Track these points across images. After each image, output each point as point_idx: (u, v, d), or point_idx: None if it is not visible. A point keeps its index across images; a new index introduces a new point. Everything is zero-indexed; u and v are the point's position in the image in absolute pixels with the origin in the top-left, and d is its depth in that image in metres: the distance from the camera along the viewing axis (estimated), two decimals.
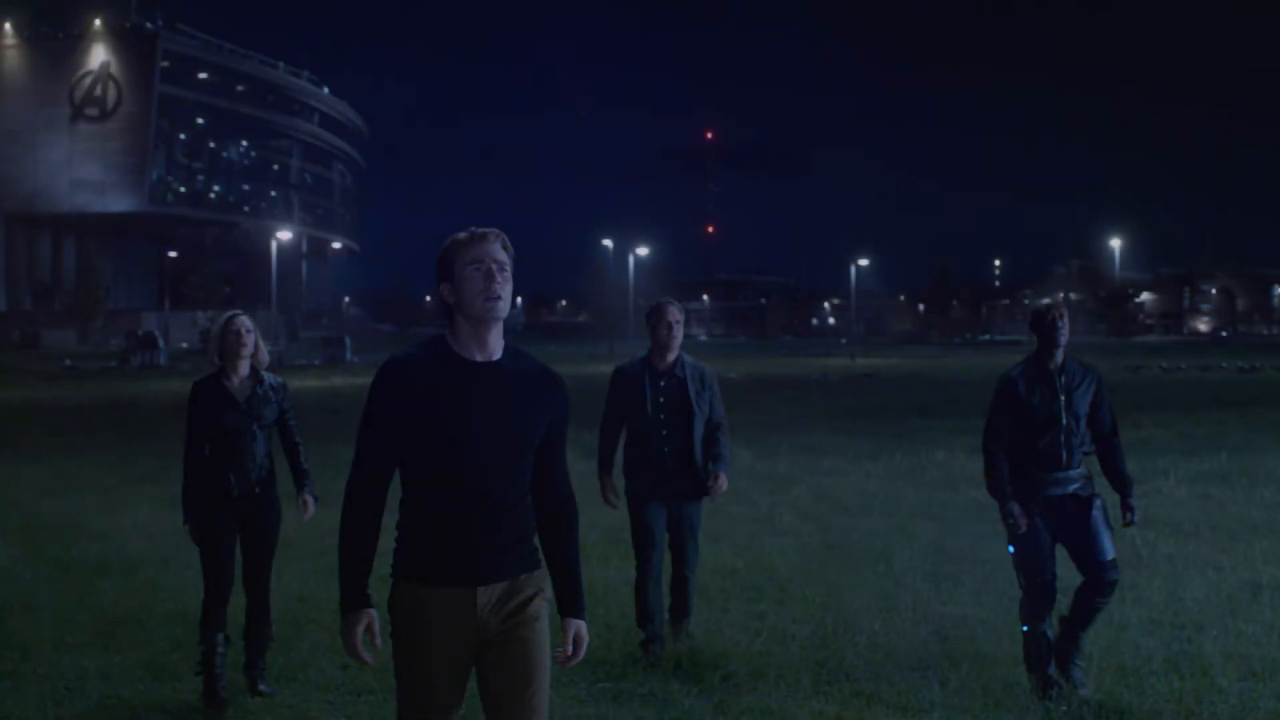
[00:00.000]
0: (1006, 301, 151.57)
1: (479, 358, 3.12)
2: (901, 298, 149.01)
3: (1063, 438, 5.45)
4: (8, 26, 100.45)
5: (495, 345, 3.13)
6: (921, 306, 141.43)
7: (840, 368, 47.60)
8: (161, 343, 54.99)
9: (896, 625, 6.63)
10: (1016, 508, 5.42)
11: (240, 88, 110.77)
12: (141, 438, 18.56)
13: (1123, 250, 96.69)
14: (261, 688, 5.56)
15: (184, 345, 69.24)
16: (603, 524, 8.72)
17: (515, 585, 3.12)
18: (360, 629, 3.09)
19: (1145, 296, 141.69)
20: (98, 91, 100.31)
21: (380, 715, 5.26)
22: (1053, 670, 5.46)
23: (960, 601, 7.19)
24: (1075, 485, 5.48)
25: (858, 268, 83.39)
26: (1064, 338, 5.49)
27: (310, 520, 5.83)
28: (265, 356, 5.65)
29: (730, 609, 7.08)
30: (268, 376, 5.61)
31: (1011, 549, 5.53)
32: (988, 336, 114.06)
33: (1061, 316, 5.50)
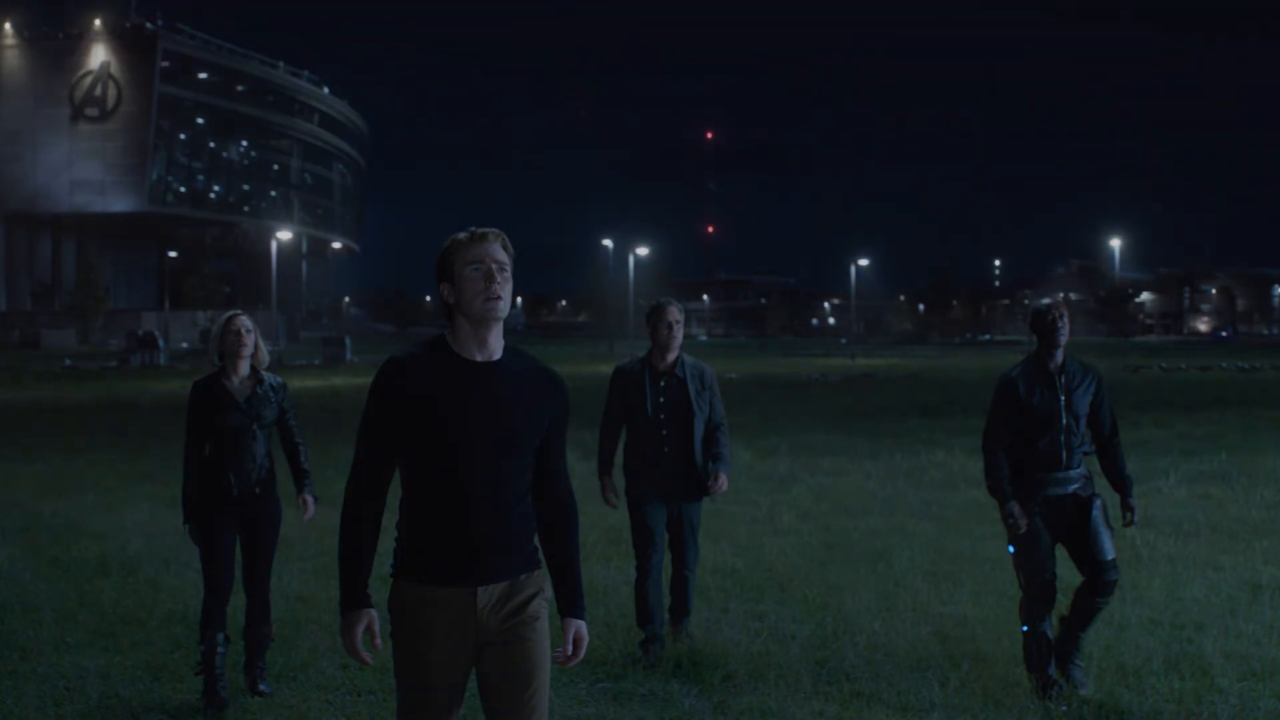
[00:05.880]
0: (1006, 301, 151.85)
1: (479, 358, 3.11)
2: (901, 298, 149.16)
3: (1063, 438, 5.45)
4: (8, 26, 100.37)
5: (495, 345, 3.13)
6: (921, 306, 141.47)
7: (840, 368, 47.60)
8: (161, 343, 54.96)
9: (896, 625, 6.63)
10: (1016, 508, 5.42)
11: (240, 88, 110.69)
12: (141, 438, 18.55)
13: (1123, 250, 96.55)
14: (261, 688, 5.56)
15: (184, 345, 69.30)
16: (603, 524, 8.74)
17: (515, 585, 3.12)
18: (360, 629, 3.09)
19: (1145, 296, 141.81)
20: (98, 91, 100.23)
21: (380, 715, 5.26)
22: (1053, 670, 5.46)
23: (960, 601, 7.19)
24: (1075, 485, 5.48)
25: (858, 268, 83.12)
26: (1064, 337, 5.50)
27: (310, 520, 5.84)
28: (265, 356, 5.65)
29: (730, 609, 7.08)
30: (268, 376, 5.62)
31: (1011, 549, 5.53)
32: (988, 336, 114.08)
33: (1061, 316, 5.50)
